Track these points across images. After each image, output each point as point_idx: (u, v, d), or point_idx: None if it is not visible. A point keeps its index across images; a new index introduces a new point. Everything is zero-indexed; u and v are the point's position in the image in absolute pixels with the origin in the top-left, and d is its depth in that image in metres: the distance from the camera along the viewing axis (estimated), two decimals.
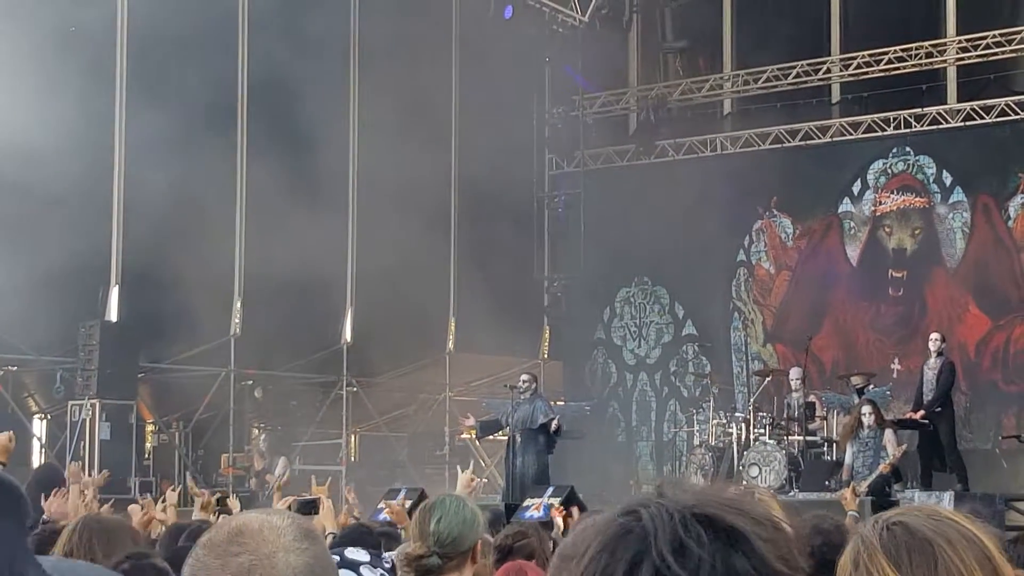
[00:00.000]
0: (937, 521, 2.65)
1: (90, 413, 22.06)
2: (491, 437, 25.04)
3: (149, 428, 24.16)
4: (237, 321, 24.42)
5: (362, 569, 3.85)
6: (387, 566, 3.97)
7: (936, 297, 25.84)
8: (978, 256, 25.68)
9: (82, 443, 21.92)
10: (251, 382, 25.26)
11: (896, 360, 23.54)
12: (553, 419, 21.69)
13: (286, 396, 25.78)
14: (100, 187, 22.14)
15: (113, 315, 22.81)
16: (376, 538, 7.80)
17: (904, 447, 20.73)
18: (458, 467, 14.03)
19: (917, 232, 26.40)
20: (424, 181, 25.31)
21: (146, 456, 23.54)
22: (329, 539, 7.53)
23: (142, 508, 10.83)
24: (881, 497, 18.92)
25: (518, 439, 22.37)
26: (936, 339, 21.67)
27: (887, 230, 26.66)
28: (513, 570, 5.55)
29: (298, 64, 23.26)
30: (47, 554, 6.30)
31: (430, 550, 5.53)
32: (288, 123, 23.42)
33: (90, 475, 16.07)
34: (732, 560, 1.74)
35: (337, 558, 3.89)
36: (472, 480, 8.22)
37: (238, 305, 24.45)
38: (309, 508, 8.12)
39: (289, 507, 8.15)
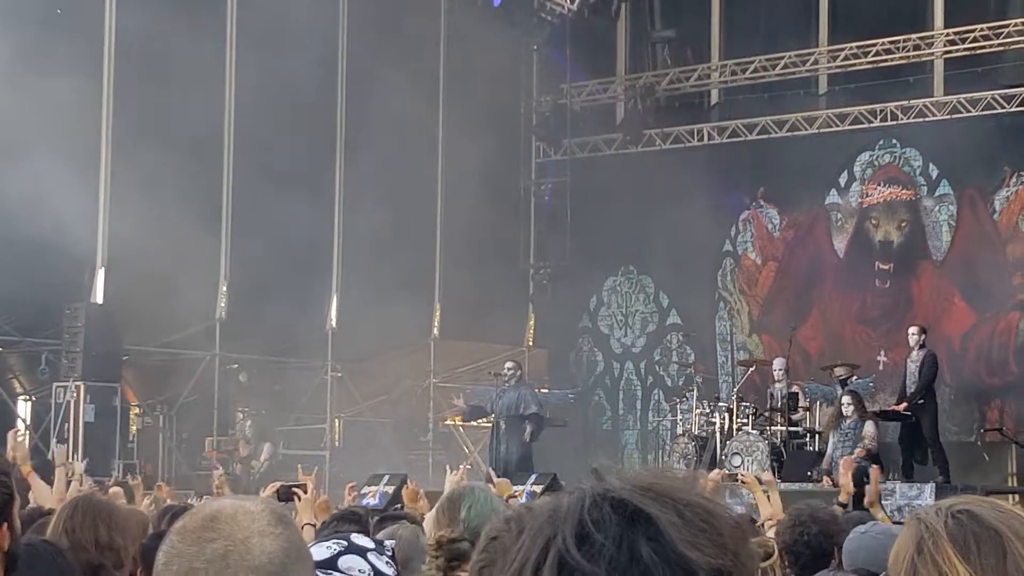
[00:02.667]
0: (1003, 513, 2.59)
1: (75, 395, 22.05)
2: (475, 424, 25.08)
3: (133, 411, 24.13)
4: (223, 305, 24.42)
5: (369, 555, 3.86)
6: (389, 554, 3.98)
7: (922, 290, 25.89)
8: (964, 249, 25.73)
9: (66, 425, 21.92)
10: (236, 366, 25.26)
11: (882, 352, 23.59)
12: (537, 412, 21.94)
13: (271, 381, 25.77)
14: (88, 168, 22.11)
15: (99, 298, 22.80)
16: (366, 523, 7.82)
17: (876, 436, 20.79)
18: (447, 466, 14.09)
19: (903, 224, 26.45)
20: (410, 167, 25.32)
21: (130, 439, 23.52)
22: (307, 530, 7.55)
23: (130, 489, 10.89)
24: (862, 487, 18.94)
25: (502, 426, 22.46)
26: (915, 332, 21.74)
27: (874, 222, 26.71)
28: None
29: (289, 53, 23.28)
30: (41, 535, 6.33)
31: (462, 536, 5.59)
32: (279, 108, 23.37)
33: (74, 458, 16.11)
34: (637, 545, 1.71)
35: (345, 542, 3.89)
36: (461, 479, 8.28)
37: (224, 289, 24.45)
38: (288, 496, 8.11)
39: (277, 492, 8.16)
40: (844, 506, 8.92)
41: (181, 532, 2.65)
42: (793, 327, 24.26)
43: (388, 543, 4.03)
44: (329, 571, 3.77)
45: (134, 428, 23.99)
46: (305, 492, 8.14)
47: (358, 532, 7.17)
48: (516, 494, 15.15)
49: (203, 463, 24.19)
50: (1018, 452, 24.68)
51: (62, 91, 20.14)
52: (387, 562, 3.87)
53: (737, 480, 11.64)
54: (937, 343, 23.58)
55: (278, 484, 8.85)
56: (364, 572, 3.85)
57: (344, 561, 3.85)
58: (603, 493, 1.76)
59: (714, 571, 1.72)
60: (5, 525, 3.88)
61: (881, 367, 23.61)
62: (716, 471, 11.61)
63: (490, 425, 23.47)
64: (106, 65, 22.61)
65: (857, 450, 19.80)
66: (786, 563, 6.71)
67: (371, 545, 3.90)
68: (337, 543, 3.91)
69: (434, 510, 5.86)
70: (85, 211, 21.99)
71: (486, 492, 5.78)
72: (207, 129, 23.49)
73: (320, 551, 3.84)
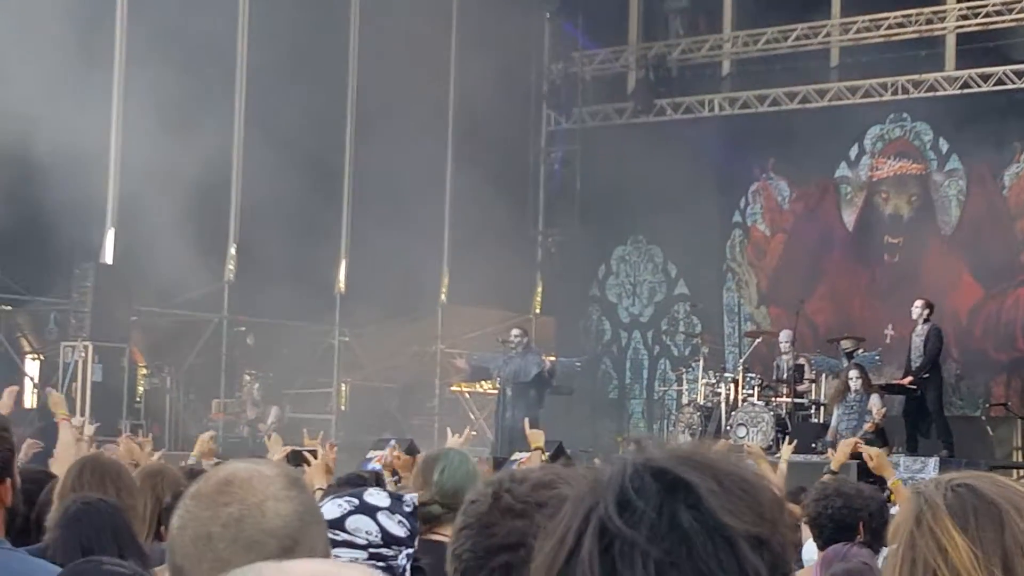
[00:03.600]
0: (1002, 487, 2.62)
1: (83, 355, 22.09)
2: (481, 390, 25.11)
3: (141, 372, 24.18)
4: (231, 267, 24.46)
5: (379, 515, 3.78)
6: (407, 510, 3.89)
7: (930, 264, 25.84)
8: (973, 224, 25.69)
9: (74, 384, 21.96)
10: (243, 329, 25.30)
11: (890, 326, 23.58)
12: (545, 369, 21.94)
13: (278, 344, 25.81)
14: (97, 130, 22.12)
15: (109, 258, 22.83)
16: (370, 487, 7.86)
17: (885, 409, 20.84)
18: (448, 429, 14.14)
19: (913, 199, 26.41)
20: (421, 130, 25.28)
21: (137, 399, 23.58)
22: (317, 495, 7.59)
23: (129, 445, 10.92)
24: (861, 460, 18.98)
25: (508, 393, 22.48)
26: (919, 306, 21.72)
27: (883, 196, 26.67)
28: None
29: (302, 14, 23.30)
30: (49, 493, 6.38)
31: (432, 499, 5.63)
32: (290, 67, 23.37)
33: (82, 418, 16.14)
34: (677, 512, 1.75)
35: (356, 501, 3.81)
36: (464, 444, 8.33)
37: (232, 251, 24.48)
38: (299, 460, 8.16)
39: (287, 457, 8.22)
40: (835, 473, 9.00)
41: (196, 496, 2.68)
42: (801, 300, 24.23)
43: (408, 497, 3.93)
44: (336, 532, 3.70)
45: (141, 389, 24.05)
46: (316, 457, 8.19)
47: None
48: (523, 460, 15.16)
49: (210, 425, 24.26)
50: (1023, 427, 24.70)
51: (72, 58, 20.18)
52: (400, 520, 3.77)
53: (743, 451, 11.69)
54: (944, 318, 23.57)
55: (288, 448, 8.91)
56: (372, 534, 3.77)
57: (352, 521, 3.77)
58: (644, 463, 1.81)
59: (752, 538, 1.77)
60: (8, 481, 3.91)
61: (888, 340, 23.59)
62: (722, 441, 11.67)
63: (496, 392, 23.51)
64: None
65: (866, 425, 19.85)
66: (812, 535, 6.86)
67: (385, 503, 3.78)
68: (348, 501, 3.83)
69: (412, 473, 5.91)
70: (96, 172, 22.01)
71: (462, 456, 5.83)
72: (219, 91, 23.52)
73: (331, 509, 3.77)
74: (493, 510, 2.91)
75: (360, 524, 3.77)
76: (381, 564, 3.74)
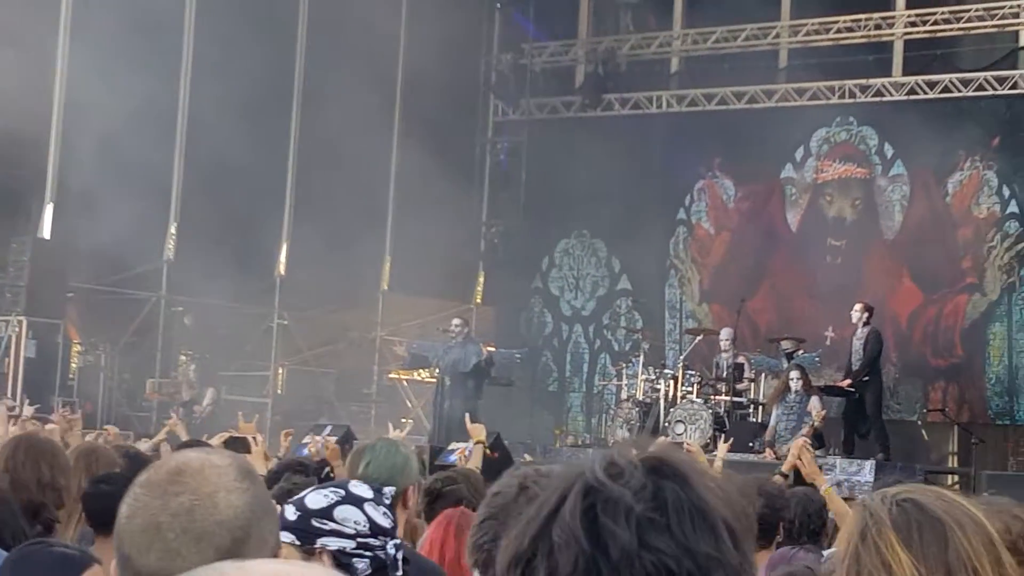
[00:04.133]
0: (947, 502, 2.62)
1: (17, 330, 21.91)
2: (419, 379, 25.06)
3: (75, 349, 23.99)
4: (171, 246, 24.29)
5: (366, 506, 3.87)
6: (387, 502, 3.98)
7: (872, 268, 25.97)
8: (915, 230, 25.81)
9: (7, 360, 21.79)
10: (181, 309, 25.14)
11: (830, 328, 23.67)
12: (483, 359, 22.00)
13: (216, 325, 25.65)
14: (39, 104, 21.92)
15: (46, 233, 22.63)
16: (312, 474, 7.79)
17: (825, 412, 20.95)
18: (390, 424, 14.10)
19: (857, 202, 26.52)
20: (368, 116, 25.18)
21: (71, 376, 23.40)
22: None
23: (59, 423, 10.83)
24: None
25: (447, 382, 22.50)
26: (858, 310, 21.94)
27: (828, 198, 26.77)
28: (455, 516, 5.56)
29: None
30: None
31: None
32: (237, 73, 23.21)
33: (13, 396, 16.02)
34: (662, 485, 1.79)
35: (342, 491, 3.92)
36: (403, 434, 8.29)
37: (172, 230, 24.31)
38: (240, 446, 8.09)
39: (224, 443, 8.15)
40: (785, 476, 9.00)
41: (146, 484, 2.62)
42: (743, 299, 24.29)
43: (387, 490, 4.02)
44: (324, 520, 3.82)
45: (75, 366, 23.86)
46: (256, 443, 8.13)
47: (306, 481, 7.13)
48: (459, 450, 15.13)
49: (144, 404, 24.12)
50: (959, 433, 24.87)
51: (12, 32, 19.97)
52: (384, 512, 3.88)
53: (683, 448, 11.64)
54: (885, 321, 23.70)
55: (226, 435, 8.83)
56: (360, 524, 3.86)
57: (340, 511, 3.87)
58: (623, 449, 1.86)
59: (728, 526, 1.80)
60: None
61: (829, 342, 23.70)
62: (661, 439, 11.65)
63: (434, 381, 23.49)
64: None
65: (805, 428, 19.88)
66: None
67: (369, 494, 3.90)
68: (334, 491, 3.93)
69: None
70: (36, 146, 21.81)
71: (390, 447, 5.79)
72: (164, 68, 23.35)
73: (317, 498, 3.89)
74: (519, 501, 2.92)
75: (348, 514, 3.87)
76: (369, 554, 3.85)
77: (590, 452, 1.92)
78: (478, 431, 10.65)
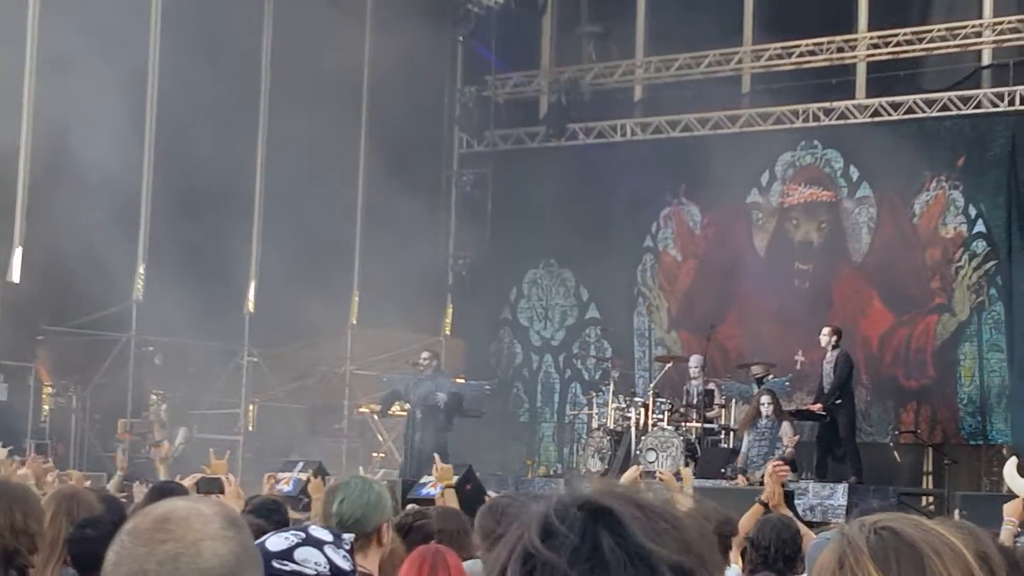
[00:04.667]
0: (924, 531, 2.63)
1: None
2: (390, 412, 25.03)
3: (47, 391, 23.92)
4: (140, 286, 24.24)
5: (325, 548, 3.91)
6: (347, 548, 4.02)
7: (841, 291, 26.05)
8: (883, 251, 25.89)
9: None
10: (151, 348, 25.07)
11: (800, 352, 23.73)
12: (448, 400, 22.04)
13: (186, 364, 25.59)
14: (6, 144, 21.88)
15: (16, 277, 22.58)
16: (285, 513, 7.80)
17: (798, 437, 20.98)
18: (360, 468, 14.08)
19: (823, 226, 26.60)
20: (333, 151, 25.19)
21: (43, 419, 23.34)
22: None
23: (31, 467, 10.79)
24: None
25: (418, 415, 22.49)
26: (827, 333, 21.99)
27: (794, 222, 26.85)
28: (430, 553, 5.57)
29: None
30: None
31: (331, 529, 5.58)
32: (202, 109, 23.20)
33: None
34: (598, 537, 1.80)
35: (303, 534, 3.95)
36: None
37: (141, 270, 24.27)
38: (212, 486, 8.08)
39: (197, 485, 8.12)
40: (765, 505, 9.01)
41: (132, 532, 2.63)
42: (712, 325, 24.33)
43: (347, 536, 4.06)
44: (284, 562, 3.85)
45: (47, 408, 23.80)
46: (230, 484, 8.11)
47: (278, 521, 7.13)
48: (431, 483, 15.12)
49: (116, 445, 24.02)
50: (932, 455, 24.95)
51: None
52: (344, 556, 3.92)
53: (655, 477, 11.69)
54: (855, 344, 23.78)
55: (198, 475, 8.81)
56: (320, 565, 3.89)
57: (300, 553, 3.89)
58: (570, 495, 1.89)
59: (675, 567, 1.81)
60: None
61: (799, 367, 23.76)
62: (633, 468, 11.66)
63: (405, 414, 23.46)
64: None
65: (778, 457, 19.88)
66: None
67: (329, 538, 3.94)
68: (295, 534, 3.96)
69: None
70: (3, 188, 21.76)
71: (363, 485, 5.82)
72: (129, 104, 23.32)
73: (277, 542, 3.91)
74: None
75: (309, 555, 3.90)
76: None
77: (539, 501, 1.90)
78: (446, 473, 10.66)
